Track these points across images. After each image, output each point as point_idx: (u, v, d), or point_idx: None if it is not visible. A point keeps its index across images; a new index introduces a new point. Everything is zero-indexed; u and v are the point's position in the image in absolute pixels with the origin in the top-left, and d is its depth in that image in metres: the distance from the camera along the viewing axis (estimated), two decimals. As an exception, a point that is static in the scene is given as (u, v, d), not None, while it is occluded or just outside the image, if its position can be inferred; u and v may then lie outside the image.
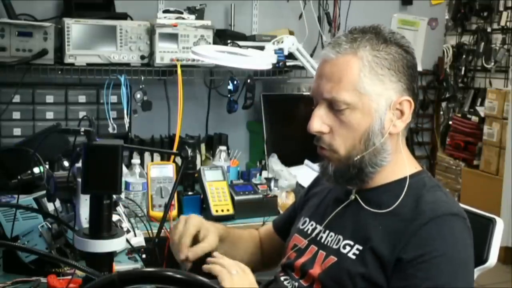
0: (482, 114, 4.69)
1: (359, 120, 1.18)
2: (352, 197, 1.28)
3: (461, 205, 1.48)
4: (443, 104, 4.91)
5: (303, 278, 1.30)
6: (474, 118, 4.84)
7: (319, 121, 1.21)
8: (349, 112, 1.18)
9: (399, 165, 1.24)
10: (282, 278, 1.37)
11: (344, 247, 1.23)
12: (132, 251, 1.70)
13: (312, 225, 1.36)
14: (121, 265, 1.63)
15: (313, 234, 1.33)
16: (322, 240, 1.30)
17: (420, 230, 1.13)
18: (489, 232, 1.34)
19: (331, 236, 1.28)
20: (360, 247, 1.20)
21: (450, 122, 5.26)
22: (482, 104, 5.02)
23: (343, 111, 1.18)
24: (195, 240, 1.38)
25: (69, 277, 1.44)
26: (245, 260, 1.51)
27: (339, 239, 1.25)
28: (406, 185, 1.21)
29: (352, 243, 1.22)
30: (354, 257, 1.20)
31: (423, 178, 1.25)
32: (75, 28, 2.52)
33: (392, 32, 1.22)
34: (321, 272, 1.24)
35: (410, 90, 1.21)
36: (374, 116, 1.18)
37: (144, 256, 1.73)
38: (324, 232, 1.30)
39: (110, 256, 1.20)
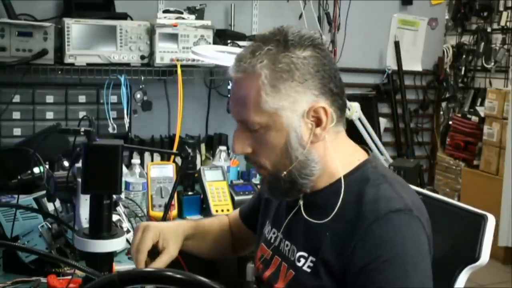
0: (482, 114, 4.69)
1: (274, 138, 1.13)
2: (301, 202, 1.23)
3: (449, 200, 1.46)
4: (443, 104, 4.91)
5: None
6: (474, 118, 4.84)
7: (240, 143, 1.18)
8: (264, 131, 1.14)
9: (336, 166, 1.19)
10: None
11: (298, 260, 1.19)
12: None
13: (274, 232, 1.31)
14: (121, 265, 1.63)
15: (276, 243, 1.29)
16: (283, 250, 1.26)
17: (364, 236, 1.08)
18: (480, 230, 1.31)
19: (288, 245, 1.25)
20: (314, 259, 1.16)
21: (450, 122, 5.26)
22: (482, 104, 5.01)
23: (257, 130, 1.14)
24: (154, 248, 1.34)
25: (69, 277, 1.44)
26: (215, 250, 1.51)
27: (294, 250, 1.22)
28: (342, 188, 1.16)
29: (306, 254, 1.18)
30: (309, 270, 1.16)
31: (366, 171, 1.19)
32: (75, 28, 2.52)
33: (297, 34, 1.14)
34: (284, 287, 1.22)
35: (325, 93, 1.14)
36: (289, 130, 1.13)
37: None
38: (283, 241, 1.27)
39: (110, 256, 1.20)
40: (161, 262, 1.32)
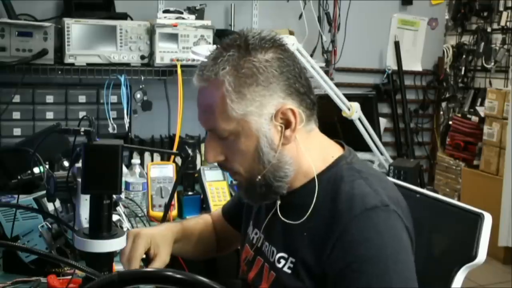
0: (482, 114, 4.69)
1: (245, 144, 1.13)
2: (278, 202, 1.22)
3: (446, 198, 1.44)
4: (443, 104, 4.90)
5: None
6: (474, 118, 4.84)
7: (213, 152, 1.17)
8: (234, 138, 1.13)
9: (310, 165, 1.18)
10: None
11: (279, 261, 1.19)
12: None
13: (256, 233, 1.31)
14: (121, 265, 1.63)
15: (258, 244, 1.28)
16: (265, 251, 1.25)
17: (341, 236, 1.07)
18: (477, 228, 1.30)
19: (267, 246, 1.24)
20: (293, 260, 1.16)
21: (450, 122, 5.26)
22: (482, 104, 5.01)
23: (227, 138, 1.14)
24: (146, 255, 1.34)
25: (69, 277, 1.44)
26: (200, 250, 1.50)
27: (273, 251, 1.21)
28: (316, 186, 1.15)
29: (286, 255, 1.18)
30: (289, 271, 1.16)
31: (340, 168, 1.18)
32: (75, 28, 2.52)
33: (257, 37, 1.12)
34: None
35: (291, 94, 1.12)
36: (258, 135, 1.12)
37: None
38: (264, 242, 1.27)
39: (110, 256, 1.21)
40: None
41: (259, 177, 1.15)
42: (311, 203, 1.15)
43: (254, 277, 1.26)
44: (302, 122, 1.14)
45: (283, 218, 1.19)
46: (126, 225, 1.78)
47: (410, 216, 1.16)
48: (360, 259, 1.05)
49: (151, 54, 2.63)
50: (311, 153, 1.18)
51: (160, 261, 1.33)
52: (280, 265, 1.18)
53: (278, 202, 1.22)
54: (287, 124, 1.13)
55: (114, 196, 1.22)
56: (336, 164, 1.19)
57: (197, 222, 1.55)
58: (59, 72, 2.55)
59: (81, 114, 2.69)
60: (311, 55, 2.83)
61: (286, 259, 1.18)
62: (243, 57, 1.11)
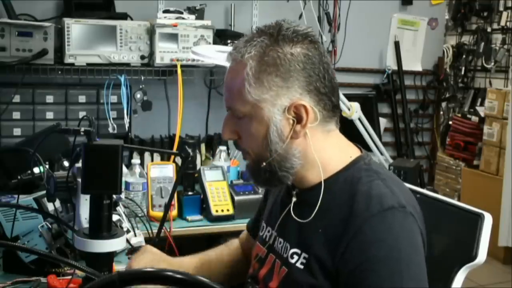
0: (482, 114, 4.69)
1: (256, 128, 1.15)
2: (294, 199, 1.23)
3: (446, 198, 1.45)
4: (443, 104, 4.90)
5: None
6: (474, 118, 4.84)
7: (228, 129, 1.21)
8: (248, 120, 1.16)
9: (327, 162, 1.19)
10: None
11: (292, 257, 1.19)
12: (132, 251, 1.70)
13: (268, 231, 1.32)
14: (121, 265, 1.63)
15: (270, 241, 1.29)
16: (277, 248, 1.26)
17: (357, 234, 1.08)
18: (477, 228, 1.30)
19: (281, 243, 1.25)
20: (306, 255, 1.16)
21: (450, 122, 5.26)
22: (482, 104, 5.01)
23: (242, 119, 1.16)
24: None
25: (69, 277, 1.44)
26: (230, 276, 1.50)
27: (287, 247, 1.22)
28: (323, 186, 1.16)
29: (298, 251, 1.19)
30: (302, 266, 1.16)
31: (359, 168, 1.19)
32: (75, 28, 2.52)
33: (292, 29, 1.14)
34: (278, 285, 1.22)
35: (310, 92, 1.13)
36: (269, 124, 1.14)
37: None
38: (277, 239, 1.27)
39: (110, 256, 1.21)
40: None
41: (265, 163, 1.17)
42: (327, 200, 1.16)
43: (266, 274, 1.27)
44: (315, 121, 1.15)
45: (296, 217, 1.20)
46: (126, 225, 1.79)
47: (424, 221, 1.17)
48: (374, 258, 1.06)
49: (151, 54, 2.63)
50: (328, 152, 1.19)
51: None
52: (293, 261, 1.19)
53: (294, 199, 1.23)
54: (298, 119, 1.15)
55: (114, 196, 1.22)
56: (354, 164, 1.20)
57: (221, 251, 1.55)
58: (59, 72, 2.55)
59: (81, 114, 2.69)
60: (311, 55, 2.83)
61: (299, 255, 1.18)
62: (271, 46, 1.13)
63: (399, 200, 1.11)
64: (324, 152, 1.19)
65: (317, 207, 1.16)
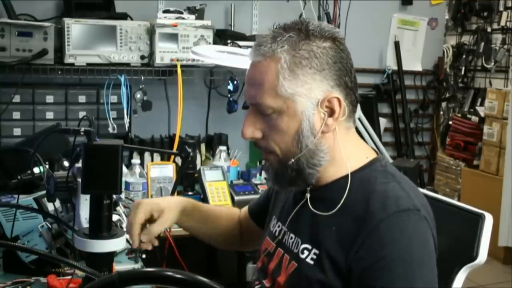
0: (482, 114, 4.69)
1: (287, 124, 1.15)
2: (307, 195, 1.23)
3: (447, 199, 1.46)
4: (443, 104, 4.91)
5: (273, 287, 1.27)
6: (474, 118, 4.84)
7: (251, 128, 1.19)
8: (276, 116, 1.15)
9: (345, 160, 1.19)
10: None
11: (302, 252, 1.20)
12: (132, 251, 1.70)
13: (279, 226, 1.32)
14: (121, 265, 1.63)
15: (280, 236, 1.30)
16: (287, 243, 1.27)
17: (371, 234, 1.09)
18: (478, 229, 1.30)
19: (292, 238, 1.25)
20: (317, 251, 1.17)
21: (450, 122, 5.26)
22: (482, 104, 5.01)
23: (270, 115, 1.15)
24: (152, 222, 1.37)
25: (69, 277, 1.44)
26: (223, 237, 1.54)
27: (298, 243, 1.22)
28: (349, 182, 1.17)
29: (309, 247, 1.19)
30: (312, 262, 1.17)
31: (375, 169, 1.20)
32: (75, 28, 2.52)
33: (318, 25, 1.16)
34: (286, 280, 1.22)
35: (340, 86, 1.15)
36: (302, 118, 1.14)
37: (144, 256, 1.73)
38: (287, 234, 1.28)
39: (110, 256, 1.21)
40: (152, 230, 1.35)
41: (293, 160, 1.17)
42: (342, 198, 1.16)
43: (274, 268, 1.27)
44: (344, 115, 1.16)
45: (313, 210, 1.20)
46: (126, 225, 1.79)
47: (435, 226, 1.17)
48: (387, 258, 1.07)
49: (151, 54, 2.63)
50: (346, 150, 1.20)
51: (161, 223, 1.36)
52: (303, 256, 1.19)
53: (308, 195, 1.24)
54: (330, 112, 1.15)
55: (114, 196, 1.22)
56: (370, 165, 1.21)
57: (220, 210, 1.59)
58: (59, 72, 2.55)
59: (81, 114, 2.69)
60: (311, 55, 2.83)
61: (309, 250, 1.19)
62: (302, 40, 1.14)
63: (415, 203, 1.13)
64: (345, 149, 1.19)
65: (341, 202, 1.16)
